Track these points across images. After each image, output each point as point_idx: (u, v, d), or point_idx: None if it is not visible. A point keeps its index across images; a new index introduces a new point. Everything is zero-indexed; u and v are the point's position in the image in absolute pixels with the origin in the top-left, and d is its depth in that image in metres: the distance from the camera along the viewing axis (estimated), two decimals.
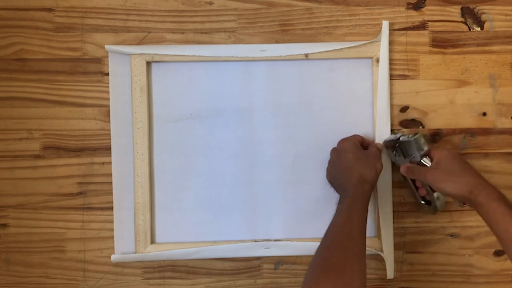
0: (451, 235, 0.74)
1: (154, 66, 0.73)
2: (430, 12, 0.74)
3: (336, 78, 0.73)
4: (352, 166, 0.66)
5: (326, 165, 0.73)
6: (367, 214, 0.62)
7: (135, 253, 0.71)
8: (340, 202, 0.64)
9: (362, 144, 0.71)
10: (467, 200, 0.60)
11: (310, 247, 0.72)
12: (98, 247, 0.73)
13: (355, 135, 0.71)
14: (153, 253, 0.71)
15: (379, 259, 0.73)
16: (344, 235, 0.58)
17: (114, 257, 0.71)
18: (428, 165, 0.65)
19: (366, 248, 0.70)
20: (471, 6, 0.74)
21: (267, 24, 0.74)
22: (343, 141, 0.70)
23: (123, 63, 0.72)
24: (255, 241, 0.72)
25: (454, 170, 0.62)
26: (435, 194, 0.69)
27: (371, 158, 0.67)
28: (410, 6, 0.74)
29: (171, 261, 0.73)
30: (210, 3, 0.74)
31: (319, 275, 0.52)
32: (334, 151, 0.70)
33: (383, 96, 0.71)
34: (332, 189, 0.70)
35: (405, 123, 0.74)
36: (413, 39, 0.74)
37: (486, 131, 0.74)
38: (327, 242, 0.58)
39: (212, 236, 0.73)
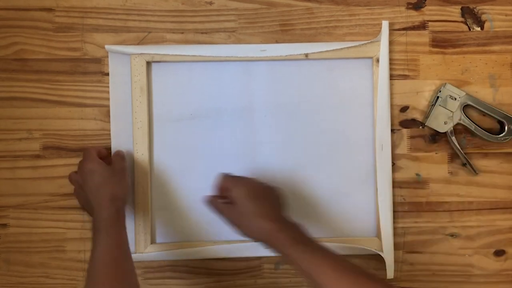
0: (451, 235, 0.74)
1: (154, 66, 0.73)
2: (430, 12, 0.74)
3: (336, 78, 0.73)
4: (101, 187, 0.63)
5: (326, 165, 0.73)
6: (126, 231, 0.61)
7: (135, 253, 0.71)
8: (95, 229, 0.60)
9: (101, 156, 0.68)
10: (266, 246, 0.58)
11: None
12: None
13: (90, 149, 0.68)
14: (153, 253, 0.71)
15: (379, 259, 0.73)
16: (112, 268, 0.56)
17: None
18: None
19: (366, 248, 0.71)
20: (471, 6, 0.74)
21: (267, 24, 0.74)
22: (82, 162, 0.66)
23: (123, 63, 0.72)
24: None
25: (250, 213, 0.59)
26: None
27: (118, 173, 0.66)
28: (410, 6, 0.74)
29: (171, 261, 0.73)
30: (210, 3, 0.74)
31: None
32: (79, 175, 0.66)
33: (383, 96, 0.71)
34: (333, 189, 0.70)
35: (405, 123, 0.74)
36: (413, 39, 0.74)
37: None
38: (95, 276, 0.55)
39: (212, 236, 0.73)
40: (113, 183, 0.64)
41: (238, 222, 0.61)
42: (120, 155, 0.70)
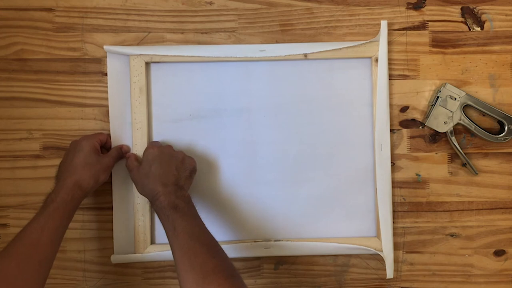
0: (451, 235, 0.74)
1: (153, 67, 0.73)
2: (430, 12, 0.74)
3: (335, 78, 0.73)
4: (76, 168, 0.64)
5: (326, 165, 0.73)
6: (69, 222, 0.61)
7: (135, 253, 0.71)
8: (45, 201, 0.61)
9: (106, 144, 0.70)
10: (151, 205, 0.64)
11: (310, 247, 0.72)
12: (98, 247, 0.73)
13: (99, 134, 0.70)
14: (153, 253, 0.71)
15: (379, 259, 0.73)
16: (29, 244, 0.56)
17: (114, 258, 0.71)
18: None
19: (366, 247, 0.71)
20: (471, 6, 0.74)
21: (267, 24, 0.74)
22: (84, 137, 0.68)
23: (122, 63, 0.72)
24: (255, 241, 0.72)
25: (148, 174, 0.64)
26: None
27: (98, 166, 0.65)
28: (410, 6, 0.74)
29: (171, 261, 0.73)
30: (210, 3, 0.74)
31: None
32: (71, 144, 0.68)
33: (382, 95, 0.71)
34: (333, 189, 0.70)
35: (405, 123, 0.74)
36: (413, 39, 0.74)
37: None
38: (8, 249, 0.55)
39: None
40: (86, 170, 0.64)
41: (137, 180, 0.66)
42: (112, 153, 0.69)
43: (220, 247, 0.58)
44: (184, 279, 0.53)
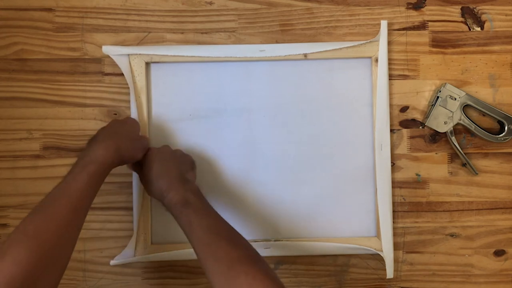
0: (451, 235, 0.74)
1: (153, 67, 0.73)
2: (430, 12, 0.74)
3: (335, 78, 0.73)
4: (119, 135, 0.62)
5: (326, 165, 0.73)
6: (102, 179, 0.57)
7: (135, 253, 0.70)
8: (83, 158, 0.57)
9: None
10: (162, 203, 0.62)
11: (310, 247, 0.72)
12: (98, 247, 0.73)
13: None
14: (152, 253, 0.71)
15: (379, 259, 0.73)
16: (69, 207, 0.52)
17: (113, 262, 0.70)
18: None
19: (366, 247, 0.71)
20: (471, 6, 0.74)
21: (267, 24, 0.74)
22: (127, 117, 0.69)
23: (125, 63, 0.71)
24: (255, 241, 0.72)
25: (152, 174, 0.63)
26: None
27: (139, 143, 0.64)
28: (410, 6, 0.74)
29: (171, 261, 0.73)
30: (210, 3, 0.74)
31: None
32: (114, 120, 0.67)
33: (382, 95, 0.71)
34: (333, 189, 0.70)
35: (405, 123, 0.74)
36: (413, 39, 0.74)
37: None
38: (49, 208, 0.52)
39: None
40: (131, 142, 0.63)
41: (143, 181, 0.65)
42: (147, 140, 0.68)
43: (240, 235, 0.57)
44: (209, 270, 0.52)
